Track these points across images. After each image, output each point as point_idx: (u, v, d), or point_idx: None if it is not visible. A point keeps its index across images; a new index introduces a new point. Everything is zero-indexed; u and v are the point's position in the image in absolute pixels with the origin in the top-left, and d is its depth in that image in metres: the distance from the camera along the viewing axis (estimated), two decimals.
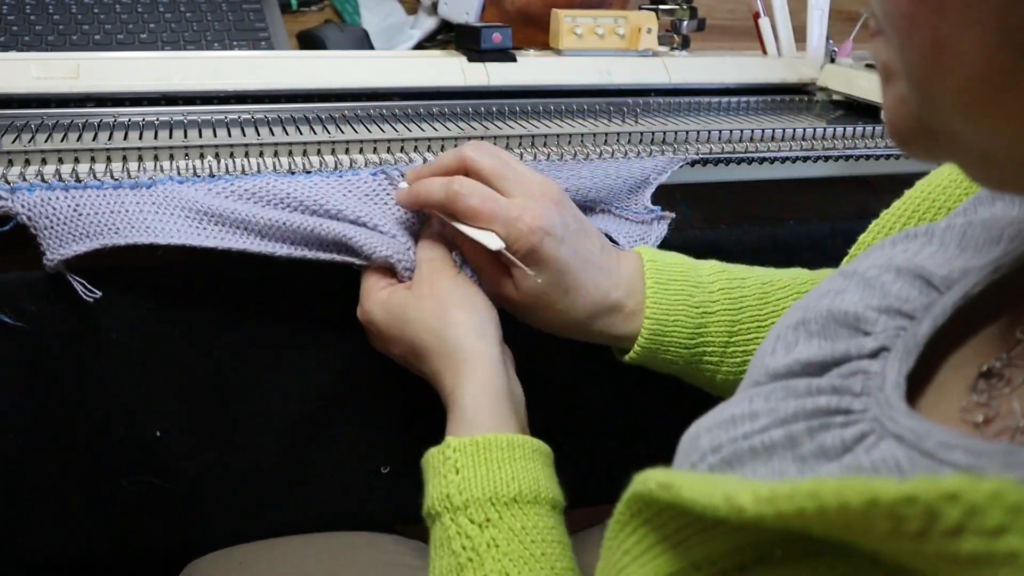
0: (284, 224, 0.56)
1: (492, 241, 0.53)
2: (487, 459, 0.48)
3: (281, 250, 0.57)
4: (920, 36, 0.28)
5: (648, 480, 0.32)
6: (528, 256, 0.54)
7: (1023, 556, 0.20)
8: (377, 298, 0.56)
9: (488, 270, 0.57)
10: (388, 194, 0.60)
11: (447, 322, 0.53)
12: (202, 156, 0.62)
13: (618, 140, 0.71)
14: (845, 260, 0.54)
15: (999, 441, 0.30)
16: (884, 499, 0.22)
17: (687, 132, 0.72)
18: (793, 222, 0.75)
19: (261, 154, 0.64)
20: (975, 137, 0.29)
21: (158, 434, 0.61)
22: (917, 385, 0.34)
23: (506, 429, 0.51)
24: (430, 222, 0.60)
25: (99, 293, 0.56)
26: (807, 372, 0.35)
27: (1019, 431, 0.30)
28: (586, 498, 0.59)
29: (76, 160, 0.59)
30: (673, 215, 0.68)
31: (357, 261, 0.58)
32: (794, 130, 0.75)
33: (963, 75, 0.27)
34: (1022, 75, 0.26)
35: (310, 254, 0.58)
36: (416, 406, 0.67)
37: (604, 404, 0.72)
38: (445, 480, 0.48)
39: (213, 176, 0.59)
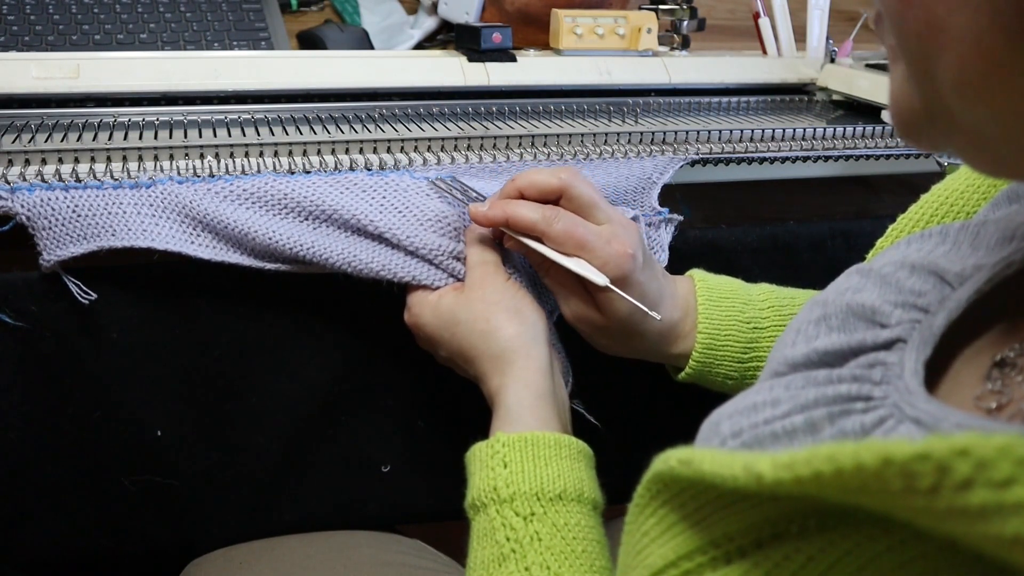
0: (297, 242, 0.57)
1: (598, 277, 0.55)
2: (535, 455, 0.50)
3: (282, 267, 0.58)
4: (914, 16, 0.29)
5: (669, 458, 0.32)
6: (619, 282, 0.55)
7: None
8: (427, 302, 0.58)
9: (573, 296, 0.58)
10: (419, 195, 0.60)
11: (497, 325, 0.55)
12: (202, 156, 0.62)
13: (618, 140, 0.71)
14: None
15: (1012, 424, 0.31)
16: (898, 457, 0.23)
17: (687, 132, 0.72)
18: (793, 222, 0.75)
19: (261, 154, 0.64)
20: (970, 119, 0.30)
21: (159, 434, 0.61)
22: (933, 376, 0.35)
23: (547, 429, 0.52)
24: (471, 227, 0.60)
25: (94, 295, 0.56)
26: (825, 362, 0.36)
27: None
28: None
29: (76, 160, 0.59)
30: (680, 217, 0.68)
31: (382, 277, 0.58)
32: (794, 130, 0.75)
33: (956, 55, 0.28)
34: (1012, 55, 0.27)
35: (312, 270, 0.58)
36: (416, 406, 0.67)
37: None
38: (493, 473, 0.49)
39: (213, 176, 0.59)
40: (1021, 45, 0.27)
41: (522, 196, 0.57)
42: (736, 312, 0.60)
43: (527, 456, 0.49)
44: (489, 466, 0.50)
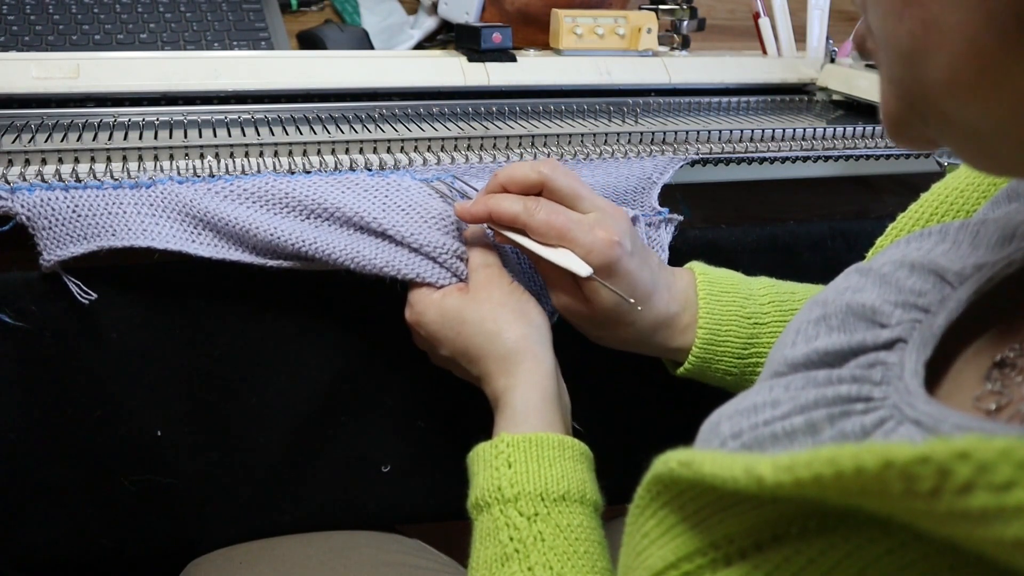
0: (300, 238, 0.57)
1: (581, 268, 0.54)
2: (539, 456, 0.50)
3: (284, 264, 0.58)
4: (909, 15, 0.29)
5: (669, 460, 0.32)
6: (604, 270, 0.55)
7: None
8: (430, 300, 0.57)
9: (560, 286, 0.58)
10: (421, 194, 0.60)
11: (503, 326, 0.55)
12: (202, 156, 0.62)
13: (618, 140, 0.71)
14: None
15: (1011, 425, 0.31)
16: (898, 460, 0.23)
17: (687, 132, 0.72)
18: (793, 222, 0.75)
19: (261, 154, 0.64)
20: (964, 117, 0.30)
21: (159, 433, 0.61)
22: (933, 376, 0.34)
23: (552, 431, 0.52)
24: (469, 228, 0.60)
25: (94, 295, 0.56)
26: (825, 362, 0.36)
27: None
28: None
29: (76, 160, 0.59)
30: (681, 217, 0.68)
31: (387, 274, 0.58)
32: (794, 130, 0.75)
33: (950, 54, 0.28)
34: (1005, 54, 0.27)
35: (315, 267, 0.58)
36: (416, 406, 0.67)
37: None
38: (497, 473, 0.49)
39: (213, 176, 0.59)
40: (1015, 44, 0.27)
41: (505, 191, 0.57)
42: (737, 307, 0.60)
43: (531, 457, 0.49)
44: (493, 466, 0.50)
